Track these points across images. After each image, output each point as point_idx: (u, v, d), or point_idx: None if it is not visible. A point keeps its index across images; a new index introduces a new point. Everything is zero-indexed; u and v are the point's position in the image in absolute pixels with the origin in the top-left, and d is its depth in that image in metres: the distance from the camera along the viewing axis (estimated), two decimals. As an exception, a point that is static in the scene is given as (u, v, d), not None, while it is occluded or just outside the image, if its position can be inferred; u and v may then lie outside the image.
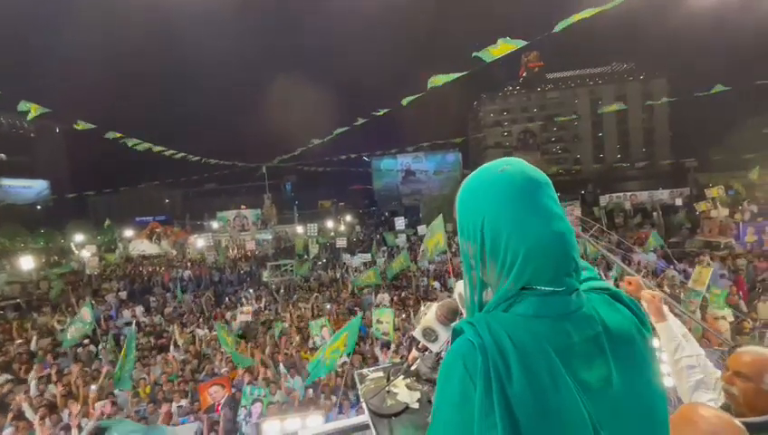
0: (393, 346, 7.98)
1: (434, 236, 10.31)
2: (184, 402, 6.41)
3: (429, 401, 0.99)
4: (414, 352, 0.97)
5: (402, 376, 1.03)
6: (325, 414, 4.84)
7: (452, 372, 0.64)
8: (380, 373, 1.12)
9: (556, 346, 0.63)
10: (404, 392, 1.00)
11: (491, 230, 0.68)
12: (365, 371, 1.16)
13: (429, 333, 0.88)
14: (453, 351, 0.67)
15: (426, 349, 0.94)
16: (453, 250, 13.44)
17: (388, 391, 1.01)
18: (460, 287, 0.91)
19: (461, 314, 0.88)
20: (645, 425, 0.67)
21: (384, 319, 8.18)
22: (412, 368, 1.00)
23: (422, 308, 0.94)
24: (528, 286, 0.67)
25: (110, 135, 8.95)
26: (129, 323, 10.43)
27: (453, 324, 0.88)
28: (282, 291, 14.74)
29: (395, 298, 11.60)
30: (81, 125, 8.20)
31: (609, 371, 0.66)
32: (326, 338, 8.13)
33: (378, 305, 10.18)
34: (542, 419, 0.59)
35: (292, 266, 17.81)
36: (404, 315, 9.96)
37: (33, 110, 6.62)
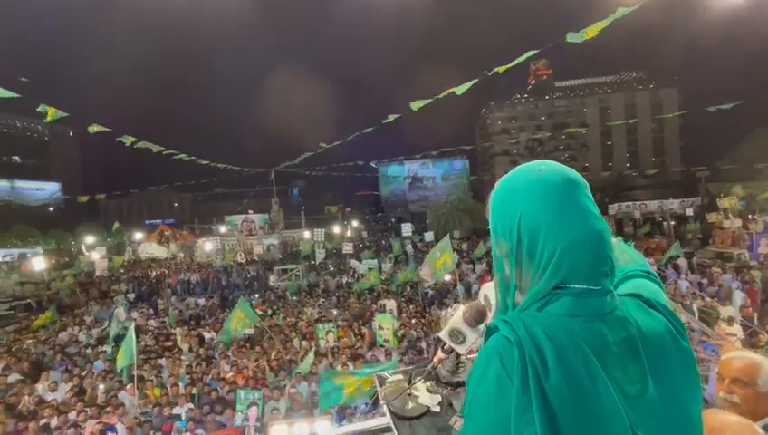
0: (396, 354, 7.94)
1: (442, 255, 10.41)
2: (191, 406, 6.41)
3: (450, 405, 0.98)
4: (440, 354, 0.96)
5: (422, 379, 1.03)
6: (332, 420, 4.82)
7: (488, 369, 0.64)
8: (400, 376, 1.12)
9: (591, 345, 0.63)
10: (425, 395, 1.00)
11: (528, 228, 0.68)
12: (384, 373, 1.16)
13: (456, 335, 0.87)
14: (488, 348, 0.67)
15: (451, 351, 0.94)
16: (462, 258, 13.39)
17: (410, 394, 1.00)
18: (486, 289, 0.91)
19: (488, 315, 0.88)
20: (680, 432, 0.67)
21: (385, 325, 8.17)
22: (438, 371, 1.00)
23: (449, 310, 0.94)
24: (562, 285, 0.67)
25: (125, 139, 9.10)
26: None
27: (480, 326, 0.89)
28: (289, 296, 14.74)
29: (408, 307, 11.54)
30: (96, 127, 8.35)
31: (643, 374, 0.66)
32: (330, 342, 8.17)
33: (381, 311, 10.16)
34: (581, 415, 0.58)
35: (298, 271, 17.86)
36: (413, 321, 9.92)
37: (51, 113, 6.76)
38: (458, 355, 0.99)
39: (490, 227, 0.76)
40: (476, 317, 0.88)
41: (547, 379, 0.59)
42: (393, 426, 0.95)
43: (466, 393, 0.70)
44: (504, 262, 0.75)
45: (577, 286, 0.67)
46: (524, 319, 0.66)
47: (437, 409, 0.98)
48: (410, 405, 0.99)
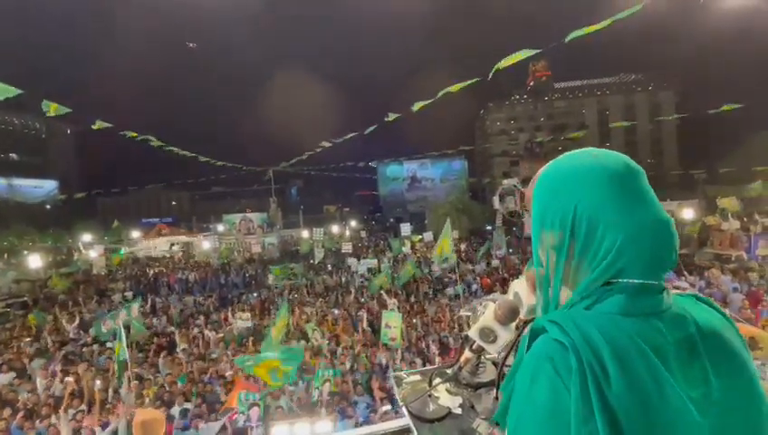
0: (399, 353, 7.89)
1: (441, 241, 10.50)
2: (189, 405, 6.36)
3: (472, 407, 0.95)
4: (467, 354, 0.93)
5: (439, 379, 1.00)
6: (334, 419, 4.80)
7: (538, 376, 0.58)
8: (417, 377, 1.09)
9: (652, 347, 0.58)
10: (445, 397, 0.96)
11: (587, 217, 0.63)
12: (402, 373, 1.12)
13: (487, 334, 0.83)
14: (538, 352, 0.61)
15: (480, 350, 0.90)
16: (461, 258, 13.36)
17: (430, 396, 0.97)
18: (517, 286, 0.87)
19: (520, 313, 0.84)
20: (752, 433, 0.61)
21: (392, 323, 8.06)
22: (461, 371, 0.97)
23: (479, 307, 0.90)
24: (614, 280, 0.62)
25: (127, 134, 9.07)
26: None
27: (512, 324, 0.85)
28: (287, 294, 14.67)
29: (407, 304, 11.49)
30: (99, 124, 8.31)
31: (707, 375, 0.61)
32: (317, 341, 8.21)
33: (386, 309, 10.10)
34: (649, 424, 0.54)
35: (294, 269, 17.74)
36: (414, 320, 9.88)
37: (53, 109, 6.71)
38: (479, 356, 0.96)
39: (532, 219, 0.70)
40: (509, 315, 0.83)
41: (609, 387, 0.54)
42: (413, 428, 0.92)
43: (510, 403, 0.64)
44: (549, 255, 0.69)
45: (633, 281, 0.62)
46: (575, 319, 0.60)
47: (459, 411, 0.94)
48: (431, 407, 0.95)
